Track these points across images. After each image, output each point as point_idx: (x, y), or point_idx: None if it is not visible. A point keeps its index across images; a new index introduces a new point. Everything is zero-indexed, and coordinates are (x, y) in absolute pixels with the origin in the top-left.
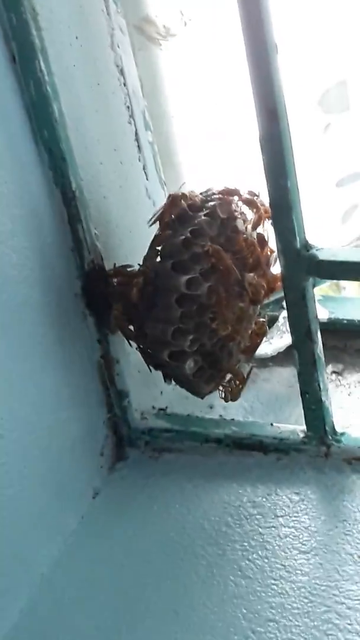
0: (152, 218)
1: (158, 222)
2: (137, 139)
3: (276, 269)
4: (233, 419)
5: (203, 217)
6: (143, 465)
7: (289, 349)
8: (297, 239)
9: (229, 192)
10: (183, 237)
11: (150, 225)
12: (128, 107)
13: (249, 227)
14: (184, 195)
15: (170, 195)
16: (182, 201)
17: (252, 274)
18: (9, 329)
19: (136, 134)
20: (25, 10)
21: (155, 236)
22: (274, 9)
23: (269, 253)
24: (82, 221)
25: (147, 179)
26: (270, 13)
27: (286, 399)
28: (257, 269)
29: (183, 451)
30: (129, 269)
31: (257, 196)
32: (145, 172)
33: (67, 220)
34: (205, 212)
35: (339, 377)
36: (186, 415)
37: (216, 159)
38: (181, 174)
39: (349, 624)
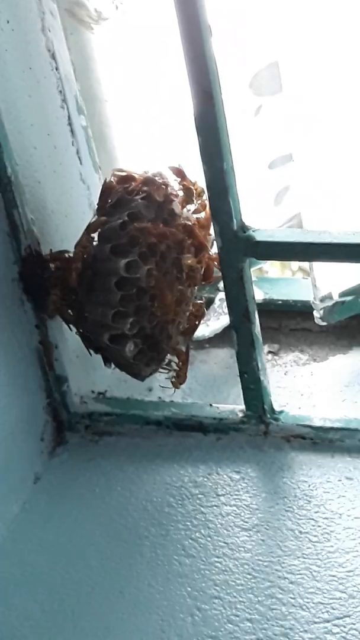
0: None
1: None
2: (70, 124)
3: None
4: (172, 401)
5: (140, 201)
6: (83, 449)
7: (225, 330)
8: (234, 220)
9: (163, 175)
10: (120, 220)
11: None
12: (60, 92)
13: (185, 210)
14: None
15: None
16: (118, 185)
17: (189, 256)
18: None
19: (69, 118)
20: None
21: (91, 222)
22: None
23: (209, 236)
24: (19, 206)
25: (80, 164)
26: None
27: (223, 380)
28: (200, 252)
29: (123, 434)
30: (65, 254)
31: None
32: (78, 157)
33: (3, 205)
34: (142, 195)
35: (275, 357)
36: (125, 399)
37: (150, 143)
38: (116, 158)
39: (292, 598)
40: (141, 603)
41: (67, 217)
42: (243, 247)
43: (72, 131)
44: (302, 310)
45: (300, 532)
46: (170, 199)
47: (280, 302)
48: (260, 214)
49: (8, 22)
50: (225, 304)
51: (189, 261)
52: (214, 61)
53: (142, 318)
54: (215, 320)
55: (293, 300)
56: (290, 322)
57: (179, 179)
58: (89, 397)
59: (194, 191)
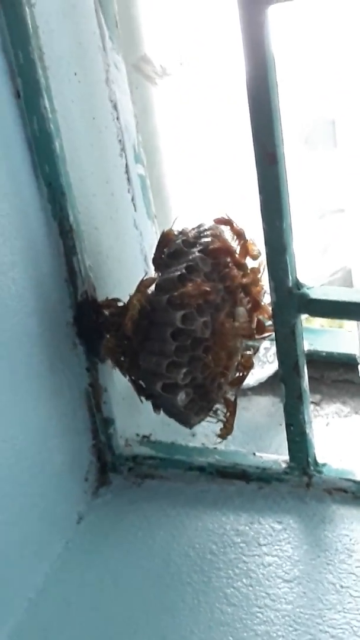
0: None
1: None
2: (127, 171)
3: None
4: (216, 448)
5: (197, 253)
6: (126, 491)
7: (268, 378)
8: (290, 277)
9: (219, 229)
10: (179, 272)
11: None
12: (120, 141)
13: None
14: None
15: (162, 233)
16: (174, 237)
17: (242, 309)
18: (7, 358)
19: (126, 166)
20: (33, 50)
21: (145, 278)
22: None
23: (260, 290)
24: (78, 253)
25: (135, 210)
26: (274, 55)
27: (265, 428)
28: (254, 307)
29: (166, 478)
30: (118, 303)
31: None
32: (133, 204)
33: (62, 251)
34: (198, 248)
35: (317, 408)
36: (170, 443)
37: (207, 193)
38: (173, 207)
39: None
40: None
41: (120, 262)
42: (297, 304)
43: (128, 179)
44: (345, 361)
45: (341, 587)
46: (227, 252)
47: (324, 353)
48: (308, 264)
49: (75, 74)
50: (270, 352)
51: (243, 315)
52: (280, 123)
53: (195, 368)
54: (260, 369)
55: (337, 352)
56: (333, 374)
57: (228, 227)
58: (133, 439)
59: (247, 244)
